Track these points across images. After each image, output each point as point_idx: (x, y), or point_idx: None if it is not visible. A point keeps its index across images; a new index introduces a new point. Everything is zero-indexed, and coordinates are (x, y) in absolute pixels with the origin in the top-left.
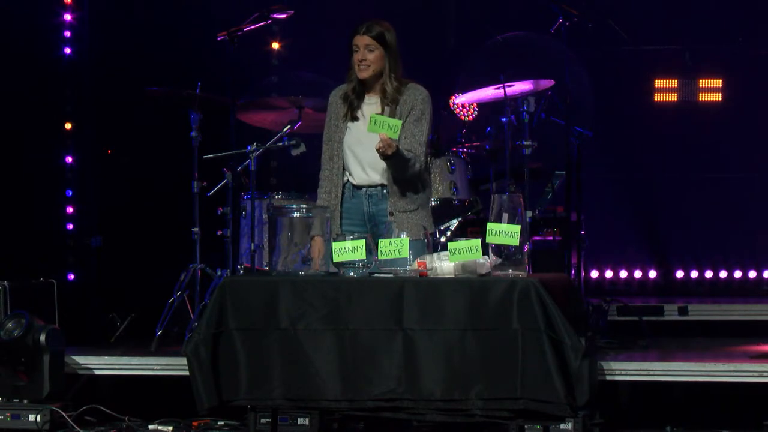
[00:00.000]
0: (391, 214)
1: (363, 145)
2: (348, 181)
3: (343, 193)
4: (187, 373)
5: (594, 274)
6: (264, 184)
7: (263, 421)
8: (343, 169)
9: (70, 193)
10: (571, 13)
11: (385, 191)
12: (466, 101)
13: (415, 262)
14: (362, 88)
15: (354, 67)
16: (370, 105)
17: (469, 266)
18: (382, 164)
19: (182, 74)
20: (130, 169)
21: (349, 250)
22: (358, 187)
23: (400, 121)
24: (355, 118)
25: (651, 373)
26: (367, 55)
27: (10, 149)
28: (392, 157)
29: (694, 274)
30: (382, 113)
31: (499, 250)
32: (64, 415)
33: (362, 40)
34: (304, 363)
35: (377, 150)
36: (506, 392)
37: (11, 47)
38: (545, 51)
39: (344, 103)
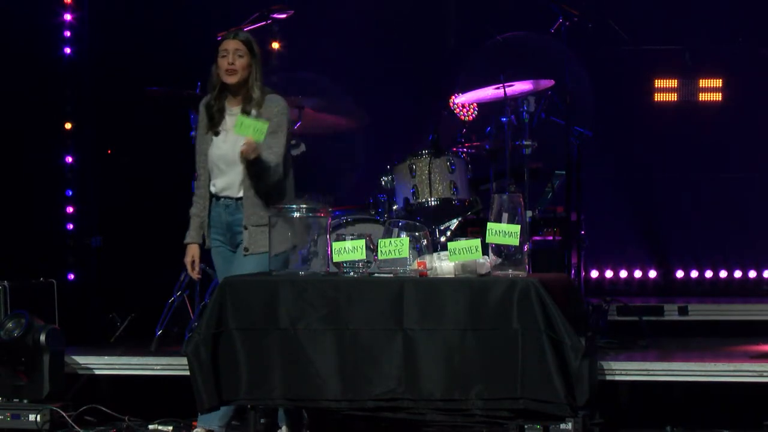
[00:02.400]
0: (246, 228)
1: (223, 159)
2: (211, 190)
3: (210, 203)
4: (187, 373)
5: (594, 274)
6: None
7: (263, 421)
8: (209, 180)
9: (70, 193)
10: (571, 13)
11: (239, 203)
12: (466, 101)
13: (415, 262)
14: (224, 99)
15: (219, 73)
16: (232, 116)
17: (469, 266)
18: (239, 179)
19: (182, 74)
20: (130, 169)
21: (349, 250)
22: (218, 198)
23: (267, 123)
24: (217, 131)
25: (651, 373)
26: (237, 60)
27: (10, 149)
28: (254, 162)
29: (694, 274)
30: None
31: (499, 250)
32: (64, 415)
33: (233, 45)
34: (304, 363)
35: (240, 153)
36: (506, 392)
37: (11, 47)
38: (545, 51)
39: (207, 116)
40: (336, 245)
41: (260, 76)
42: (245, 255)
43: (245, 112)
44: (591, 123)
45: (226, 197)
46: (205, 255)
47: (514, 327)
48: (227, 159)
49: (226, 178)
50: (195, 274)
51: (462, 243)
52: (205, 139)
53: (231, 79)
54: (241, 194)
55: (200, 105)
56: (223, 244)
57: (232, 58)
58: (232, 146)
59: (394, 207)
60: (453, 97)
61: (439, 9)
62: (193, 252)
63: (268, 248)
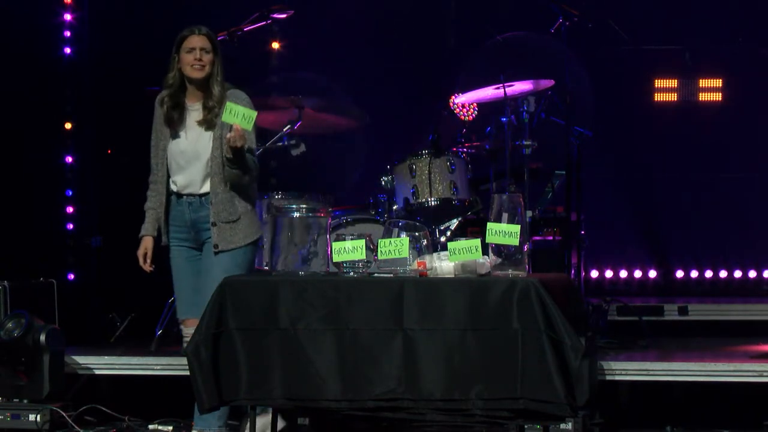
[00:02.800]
0: (214, 224)
1: (183, 155)
2: (172, 188)
3: (168, 201)
4: (187, 373)
5: (594, 274)
6: (264, 184)
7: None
8: (167, 176)
9: (70, 193)
10: (571, 13)
11: (203, 199)
12: (466, 101)
13: (415, 262)
14: (183, 95)
15: (182, 68)
16: (194, 111)
17: (468, 266)
18: (201, 174)
19: None
20: (130, 169)
21: (349, 250)
22: (180, 195)
23: (255, 112)
24: (178, 126)
25: (651, 373)
26: (204, 56)
27: (10, 149)
28: (239, 152)
29: (694, 274)
30: (202, 120)
31: (499, 250)
32: (64, 415)
33: (200, 41)
34: (304, 363)
35: (227, 140)
36: (506, 392)
37: (11, 47)
38: (545, 51)
39: (165, 112)
40: (336, 245)
41: (222, 72)
42: (216, 253)
43: (207, 108)
44: (591, 123)
45: (188, 194)
46: None
47: (514, 327)
48: (187, 155)
49: (187, 175)
50: (147, 267)
51: (462, 243)
52: (163, 134)
53: (199, 74)
54: (204, 190)
55: (156, 101)
56: (184, 242)
57: (200, 54)
58: (193, 142)
59: (394, 207)
60: (453, 97)
61: (439, 9)
62: (146, 244)
63: (238, 243)
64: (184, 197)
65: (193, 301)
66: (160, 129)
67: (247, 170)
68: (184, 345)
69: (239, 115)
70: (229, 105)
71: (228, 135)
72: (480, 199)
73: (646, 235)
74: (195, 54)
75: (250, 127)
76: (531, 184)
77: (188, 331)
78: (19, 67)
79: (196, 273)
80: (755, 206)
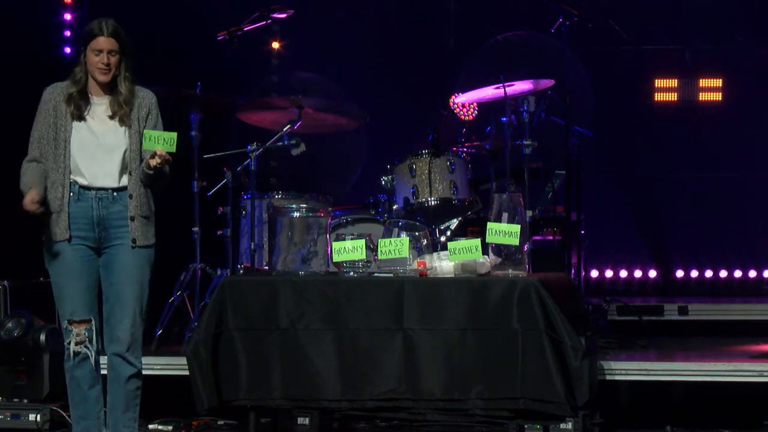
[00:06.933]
0: (133, 219)
1: (94, 147)
2: (75, 181)
3: (69, 197)
4: (187, 373)
5: (594, 274)
6: (264, 184)
7: (263, 421)
8: (67, 170)
9: None
10: (571, 12)
11: (117, 195)
12: (466, 101)
13: (415, 262)
14: (87, 87)
15: (89, 69)
16: (100, 105)
17: (468, 266)
18: (120, 167)
19: (182, 74)
20: None
21: (349, 250)
22: (87, 189)
23: (175, 133)
24: (82, 118)
25: (651, 372)
26: (111, 59)
27: (10, 149)
28: (162, 167)
29: (694, 274)
30: (113, 115)
31: (499, 249)
32: (65, 414)
33: (108, 44)
34: (304, 363)
35: (155, 166)
36: (506, 392)
37: (11, 46)
38: (545, 51)
39: (67, 104)
40: (336, 245)
41: (130, 68)
42: (133, 247)
43: (117, 104)
44: (591, 123)
45: (100, 188)
46: (205, 254)
47: (514, 327)
48: (104, 147)
49: (102, 167)
50: (37, 207)
51: (462, 243)
52: (64, 128)
53: (105, 78)
54: (120, 184)
55: (48, 93)
56: (85, 241)
57: (107, 57)
58: (109, 135)
59: (394, 207)
60: (453, 97)
61: (439, 9)
62: (34, 193)
63: (151, 240)
64: (93, 192)
65: (88, 301)
66: (54, 122)
67: (164, 177)
68: (75, 348)
69: (159, 140)
70: (147, 133)
71: (152, 161)
72: (480, 199)
73: (646, 235)
74: (102, 58)
75: (174, 148)
76: (531, 184)
77: (80, 330)
78: (19, 66)
79: (92, 273)
80: (755, 206)
